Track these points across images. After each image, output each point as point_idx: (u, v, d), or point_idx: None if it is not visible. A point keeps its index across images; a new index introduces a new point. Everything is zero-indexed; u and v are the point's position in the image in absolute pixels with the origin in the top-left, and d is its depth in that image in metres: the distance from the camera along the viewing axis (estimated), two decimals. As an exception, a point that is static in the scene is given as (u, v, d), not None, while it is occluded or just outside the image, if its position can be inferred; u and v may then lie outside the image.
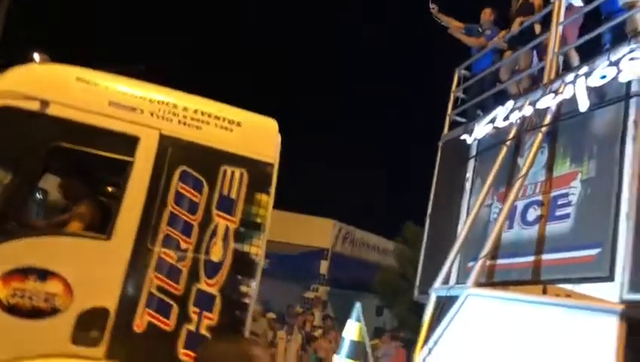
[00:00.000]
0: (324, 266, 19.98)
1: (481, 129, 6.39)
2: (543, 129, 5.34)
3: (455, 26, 7.58)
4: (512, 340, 4.56)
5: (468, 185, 6.54)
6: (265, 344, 12.55)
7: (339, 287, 18.78)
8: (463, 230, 5.72)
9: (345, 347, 5.87)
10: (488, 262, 5.66)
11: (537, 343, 4.42)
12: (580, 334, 4.29)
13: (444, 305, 5.23)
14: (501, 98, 6.53)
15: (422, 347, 5.03)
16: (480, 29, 7.43)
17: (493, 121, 6.18)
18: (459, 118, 7.34)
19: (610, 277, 4.33)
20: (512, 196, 5.20)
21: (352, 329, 6.06)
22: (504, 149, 5.78)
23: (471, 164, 6.59)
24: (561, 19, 5.76)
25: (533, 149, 5.28)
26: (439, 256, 6.35)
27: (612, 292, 4.27)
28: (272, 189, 3.86)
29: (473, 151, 6.62)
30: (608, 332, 4.06)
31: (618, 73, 4.72)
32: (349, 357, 5.78)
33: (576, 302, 4.42)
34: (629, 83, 4.66)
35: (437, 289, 5.47)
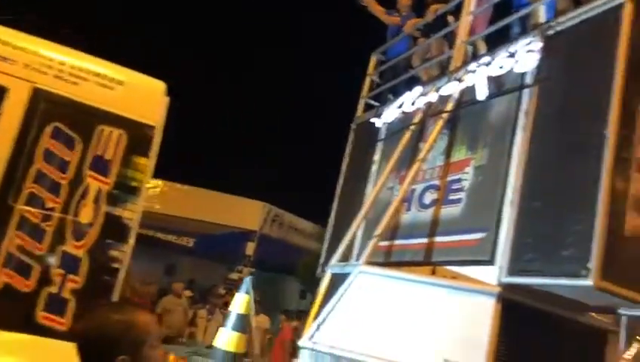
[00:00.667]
0: (250, 248, 19.83)
1: (390, 113, 6.47)
2: (444, 115, 5.43)
3: (376, 8, 7.61)
4: (398, 317, 4.65)
5: (375, 167, 6.59)
6: (181, 320, 12.41)
7: (264, 270, 18.71)
8: (362, 211, 5.76)
9: (231, 320, 5.83)
10: (387, 243, 5.76)
11: (422, 321, 4.53)
12: (460, 313, 4.42)
13: (338, 282, 5.27)
14: (413, 84, 6.60)
15: (312, 323, 5.05)
16: (397, 14, 7.50)
17: (401, 105, 6.26)
18: (373, 102, 7.38)
19: (491, 261, 4.46)
20: (408, 179, 5.27)
21: (240, 302, 6.02)
22: (408, 134, 5.86)
23: (379, 147, 6.65)
24: (471, 9, 5.86)
25: (433, 135, 5.36)
26: (344, 237, 6.42)
27: (492, 275, 4.40)
28: (153, 153, 3.73)
29: (382, 135, 6.67)
30: (486, 312, 4.20)
31: (515, 64, 4.85)
32: (234, 330, 5.74)
33: (457, 284, 4.53)
34: (523, 74, 4.79)
35: (332, 267, 5.50)
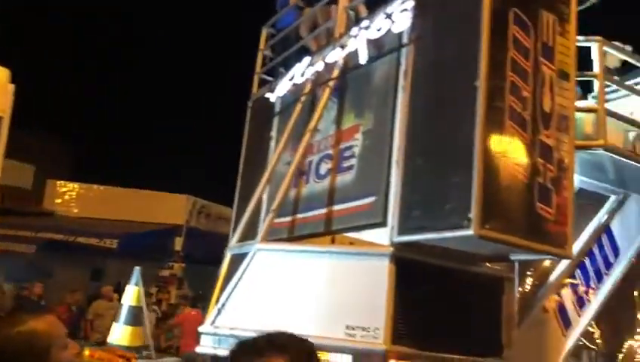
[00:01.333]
0: (178, 243, 19.33)
1: (282, 86, 6.35)
2: (331, 83, 5.35)
3: None
4: (299, 290, 4.58)
5: (273, 143, 6.46)
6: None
7: (195, 263, 18.32)
8: (258, 188, 5.63)
9: (123, 313, 5.59)
10: (289, 218, 5.66)
11: (322, 291, 4.48)
12: (357, 278, 4.40)
13: (239, 263, 5.13)
14: (304, 55, 6.49)
15: (214, 307, 4.90)
16: None
17: (292, 78, 6.15)
18: (268, 77, 7.22)
19: (383, 223, 4.45)
20: (300, 151, 5.17)
21: (130, 295, 5.79)
22: (299, 106, 5.75)
23: (275, 122, 6.52)
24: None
25: (321, 104, 5.28)
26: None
27: (385, 236, 4.40)
28: (2, 143, 3.44)
29: (277, 110, 6.55)
30: (381, 273, 4.19)
31: (391, 25, 4.82)
32: (127, 324, 5.52)
33: (351, 249, 4.51)
34: (401, 34, 4.77)
35: (232, 248, 5.36)
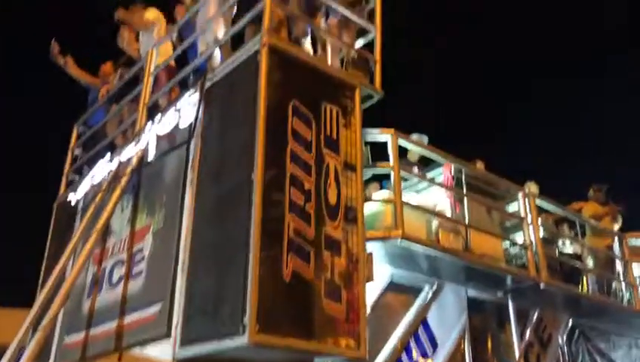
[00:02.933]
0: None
1: (83, 186, 5.83)
2: (123, 181, 4.93)
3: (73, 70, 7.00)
4: None
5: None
6: None
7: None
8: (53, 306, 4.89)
9: None
10: (82, 335, 4.96)
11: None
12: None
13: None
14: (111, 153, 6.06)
15: None
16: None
17: (93, 177, 5.67)
18: (77, 176, 6.66)
19: (168, 334, 3.95)
20: (81, 258, 4.59)
21: None
22: (92, 207, 5.23)
23: (76, 225, 5.90)
24: (152, 68, 5.58)
25: (110, 204, 4.81)
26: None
27: (169, 350, 3.89)
28: None
29: (79, 212, 5.97)
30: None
31: (179, 119, 4.59)
32: None
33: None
34: (190, 128, 4.53)
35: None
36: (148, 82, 5.54)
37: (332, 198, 4.08)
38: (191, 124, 4.44)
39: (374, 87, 4.86)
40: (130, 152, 5.02)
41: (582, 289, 7.27)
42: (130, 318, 4.47)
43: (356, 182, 4.29)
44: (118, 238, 5.02)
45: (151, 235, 4.58)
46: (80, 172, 6.58)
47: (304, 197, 3.89)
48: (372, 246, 4.96)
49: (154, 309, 4.19)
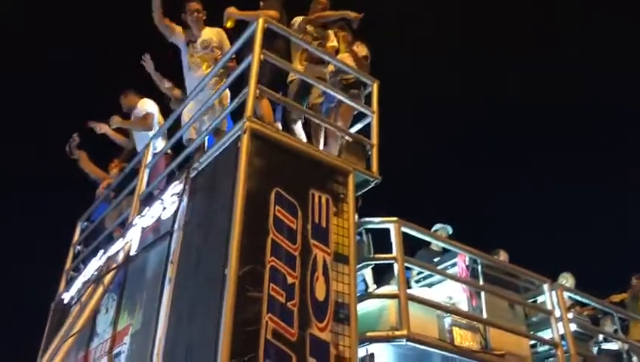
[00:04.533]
0: None
1: (76, 284, 5.57)
2: (106, 278, 4.65)
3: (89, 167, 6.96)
4: None
5: (61, 353, 5.45)
6: None
7: None
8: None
9: None
10: None
11: None
12: None
13: None
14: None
15: None
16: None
17: (85, 274, 5.42)
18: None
19: None
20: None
21: None
22: (77, 308, 4.93)
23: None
24: (148, 160, 5.44)
25: (91, 304, 4.51)
26: None
27: None
28: None
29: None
30: None
31: (162, 211, 4.35)
32: None
33: None
34: (174, 221, 4.27)
35: None
36: (143, 174, 5.38)
37: (320, 294, 3.67)
38: (173, 216, 4.18)
39: (371, 172, 4.56)
40: (116, 247, 4.76)
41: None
42: None
43: (349, 275, 3.89)
44: (101, 340, 4.67)
45: (129, 337, 4.22)
46: (78, 269, 6.35)
47: (286, 294, 3.50)
48: (376, 348, 4.48)
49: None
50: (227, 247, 3.43)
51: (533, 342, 5.82)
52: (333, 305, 3.70)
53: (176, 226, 4.18)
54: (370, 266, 5.23)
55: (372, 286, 5.65)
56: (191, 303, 3.64)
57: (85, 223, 6.79)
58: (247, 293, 3.34)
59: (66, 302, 5.70)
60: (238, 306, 3.26)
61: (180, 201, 4.17)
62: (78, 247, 6.69)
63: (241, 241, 3.45)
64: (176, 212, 4.14)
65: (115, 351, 4.36)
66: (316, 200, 3.98)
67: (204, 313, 3.42)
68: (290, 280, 3.56)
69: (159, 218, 4.34)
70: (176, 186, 4.28)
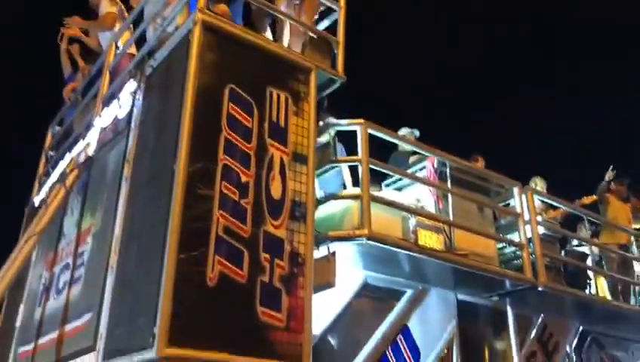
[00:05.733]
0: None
1: (44, 189, 5.54)
2: (69, 180, 4.60)
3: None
4: None
5: (34, 255, 5.51)
6: None
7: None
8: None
9: None
10: (32, 345, 4.65)
11: None
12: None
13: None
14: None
15: None
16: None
17: (53, 177, 5.38)
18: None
19: (93, 347, 3.58)
20: (16, 263, 4.25)
21: None
22: (43, 209, 4.91)
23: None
24: (109, 63, 5.23)
25: (53, 205, 4.48)
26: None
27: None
28: None
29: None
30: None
31: (119, 110, 4.23)
32: None
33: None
34: (128, 119, 4.17)
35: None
36: (106, 76, 5.20)
37: (276, 193, 3.64)
38: (128, 115, 4.07)
39: (336, 71, 4.41)
40: (78, 149, 4.69)
41: (594, 293, 6.63)
42: (69, 327, 4.13)
43: (307, 175, 3.84)
44: (67, 241, 4.70)
45: (91, 237, 4.23)
46: (49, 173, 6.31)
47: (239, 192, 3.46)
48: (342, 248, 4.51)
49: (85, 319, 3.83)
50: (177, 144, 3.36)
51: (502, 245, 5.92)
52: (290, 203, 3.68)
53: (133, 125, 4.08)
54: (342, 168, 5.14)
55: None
56: (144, 201, 3.61)
57: (57, 128, 6.68)
58: (198, 190, 3.30)
59: (36, 205, 5.70)
60: (188, 202, 3.23)
61: (135, 99, 4.04)
62: (51, 153, 6.61)
63: (192, 138, 3.37)
64: (131, 110, 4.02)
65: (79, 251, 4.39)
66: (274, 98, 3.86)
67: (154, 210, 3.39)
68: (244, 178, 3.51)
69: (116, 117, 4.23)
70: (132, 84, 4.14)
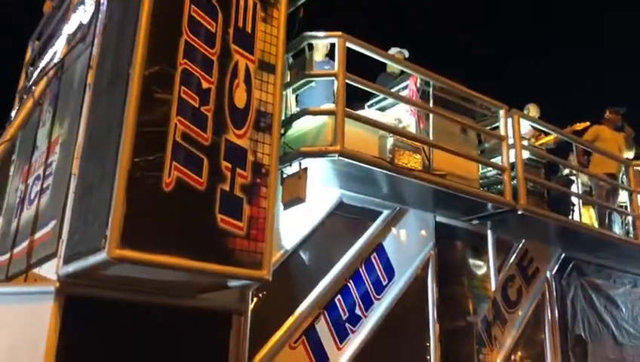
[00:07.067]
0: None
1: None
2: (37, 90, 4.50)
3: None
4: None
5: (12, 168, 5.51)
6: None
7: None
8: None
9: None
10: (7, 255, 4.70)
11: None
12: (23, 321, 3.51)
13: None
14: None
15: None
16: None
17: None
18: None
19: (55, 253, 3.59)
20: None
21: None
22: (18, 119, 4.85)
23: (18, 142, 5.57)
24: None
25: (20, 115, 4.41)
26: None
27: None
28: None
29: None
30: (44, 314, 3.32)
31: (84, 15, 4.08)
32: None
33: (13, 288, 3.62)
34: (89, 24, 4.02)
35: None
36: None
37: (239, 102, 3.53)
38: (90, 20, 3.92)
39: (311, -23, 4.20)
40: (46, 58, 4.56)
41: (578, 220, 6.59)
42: (38, 235, 4.14)
43: (275, 85, 3.72)
44: (40, 153, 4.65)
45: (59, 146, 4.18)
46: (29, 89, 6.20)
47: (200, 98, 3.35)
48: (316, 166, 4.45)
49: (50, 226, 3.83)
50: (134, 46, 3.23)
51: (486, 169, 5.84)
52: (254, 113, 3.57)
53: (97, 31, 3.93)
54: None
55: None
56: (104, 107, 3.52)
57: (36, 42, 6.52)
58: (155, 94, 3.19)
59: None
60: (144, 106, 3.13)
61: (99, 4, 3.88)
62: (31, 68, 6.48)
63: (149, 40, 3.23)
64: (92, 15, 3.87)
65: (49, 161, 4.35)
66: (241, 2, 3.68)
67: (112, 115, 3.30)
68: (205, 84, 3.39)
69: (82, 24, 4.08)
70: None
